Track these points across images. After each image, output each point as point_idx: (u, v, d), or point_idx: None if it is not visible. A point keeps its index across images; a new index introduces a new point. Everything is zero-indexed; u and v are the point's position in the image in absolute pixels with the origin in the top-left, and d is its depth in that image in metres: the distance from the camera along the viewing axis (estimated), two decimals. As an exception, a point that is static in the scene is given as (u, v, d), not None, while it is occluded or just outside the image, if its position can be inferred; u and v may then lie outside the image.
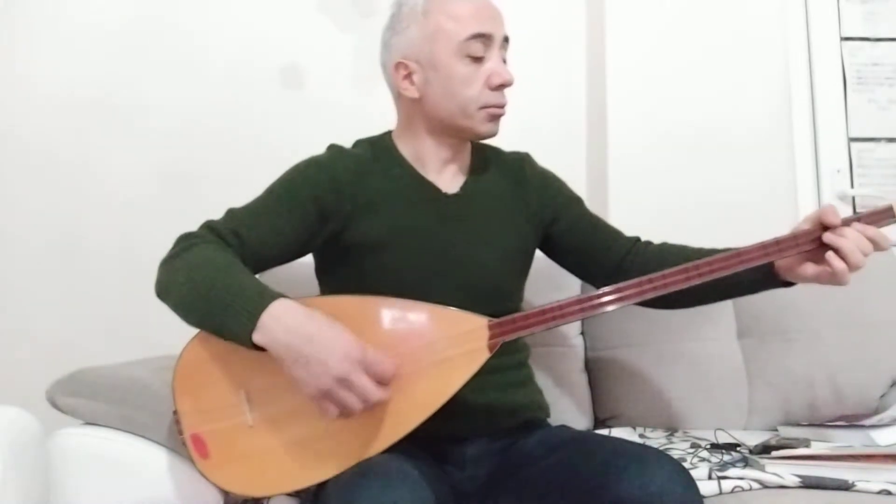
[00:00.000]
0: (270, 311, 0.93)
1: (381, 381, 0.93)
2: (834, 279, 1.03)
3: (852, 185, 2.00)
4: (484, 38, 1.13)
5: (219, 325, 0.96)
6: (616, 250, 1.25)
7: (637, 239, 1.27)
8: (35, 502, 1.04)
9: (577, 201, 1.31)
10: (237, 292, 0.96)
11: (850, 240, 1.01)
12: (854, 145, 2.02)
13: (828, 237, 1.02)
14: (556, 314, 1.01)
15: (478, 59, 1.13)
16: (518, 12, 1.96)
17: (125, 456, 1.12)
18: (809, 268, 1.05)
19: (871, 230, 1.02)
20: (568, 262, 1.31)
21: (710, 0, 1.96)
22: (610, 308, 1.02)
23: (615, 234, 1.28)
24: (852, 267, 1.01)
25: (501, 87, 1.15)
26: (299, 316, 0.93)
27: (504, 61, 1.17)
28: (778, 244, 1.04)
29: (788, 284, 1.11)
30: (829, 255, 1.02)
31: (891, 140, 2.03)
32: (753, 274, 1.09)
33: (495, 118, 1.17)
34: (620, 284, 1.02)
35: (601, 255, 1.26)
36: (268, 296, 0.95)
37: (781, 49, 1.99)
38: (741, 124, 1.94)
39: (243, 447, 1.00)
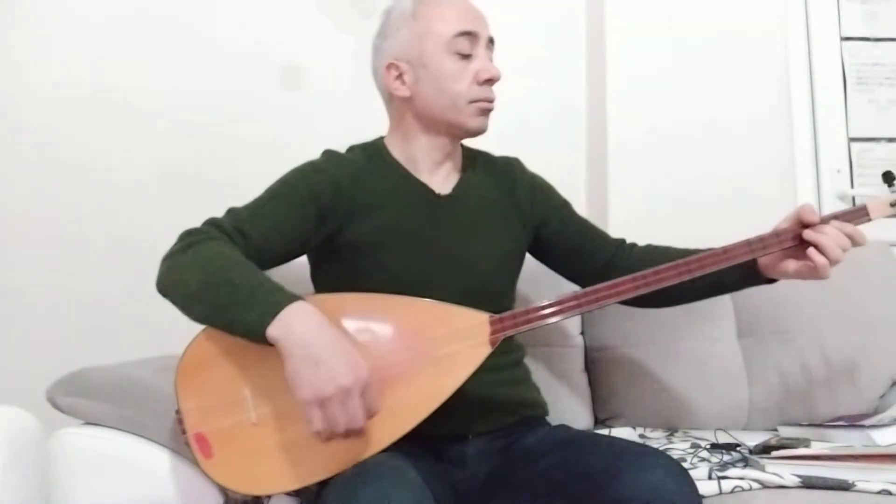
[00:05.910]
0: (292, 308, 0.93)
1: (370, 411, 0.93)
2: (814, 273, 1.10)
3: (852, 185, 2.00)
4: (470, 35, 1.18)
5: (230, 319, 0.96)
6: (603, 252, 1.30)
7: (622, 241, 1.33)
8: (35, 502, 1.04)
9: (566, 205, 1.36)
10: (256, 286, 0.96)
11: (830, 236, 1.08)
12: (854, 145, 2.02)
13: (808, 234, 1.10)
14: (554, 309, 1.05)
15: (466, 57, 1.18)
16: (517, 7, 1.97)
17: (125, 456, 1.12)
18: (791, 264, 1.13)
19: (849, 227, 1.10)
20: (557, 264, 1.35)
21: (710, 0, 1.96)
22: (607, 302, 1.07)
23: (602, 236, 1.34)
24: (832, 261, 1.08)
25: (489, 81, 1.19)
26: (319, 319, 0.94)
27: (490, 60, 1.21)
28: (762, 241, 1.11)
29: (771, 281, 1.18)
30: (811, 251, 1.09)
31: (891, 140, 2.03)
32: (737, 272, 1.15)
33: (485, 112, 1.20)
34: (617, 280, 1.07)
35: (589, 257, 1.30)
36: (288, 293, 0.96)
37: (781, 49, 1.98)
38: (741, 124, 1.94)
39: (247, 445, 0.99)
